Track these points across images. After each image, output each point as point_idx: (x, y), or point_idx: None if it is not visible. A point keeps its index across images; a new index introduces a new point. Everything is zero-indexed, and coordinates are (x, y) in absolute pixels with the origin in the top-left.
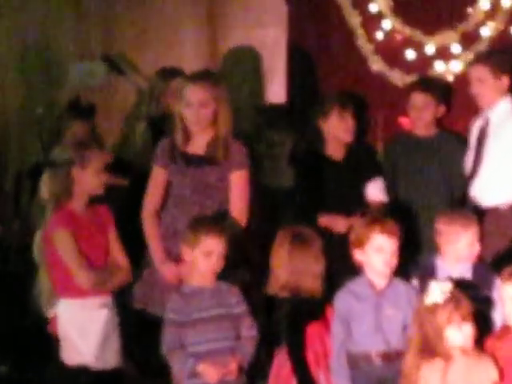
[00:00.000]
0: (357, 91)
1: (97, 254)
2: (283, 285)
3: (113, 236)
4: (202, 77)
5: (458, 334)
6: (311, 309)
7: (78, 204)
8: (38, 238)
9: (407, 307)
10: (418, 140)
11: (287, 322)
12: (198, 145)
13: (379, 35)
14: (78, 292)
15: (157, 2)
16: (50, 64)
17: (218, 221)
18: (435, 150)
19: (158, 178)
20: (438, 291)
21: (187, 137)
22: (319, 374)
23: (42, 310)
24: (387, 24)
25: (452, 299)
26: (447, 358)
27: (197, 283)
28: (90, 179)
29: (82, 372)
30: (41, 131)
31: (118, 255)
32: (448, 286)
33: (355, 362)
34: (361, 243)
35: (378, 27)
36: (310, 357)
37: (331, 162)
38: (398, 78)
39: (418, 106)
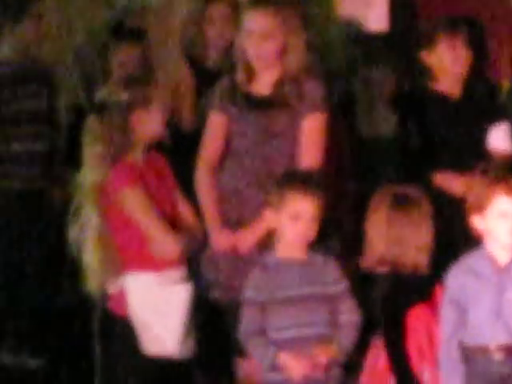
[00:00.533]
0: (475, 17)
1: (165, 214)
2: (381, 258)
3: (176, 190)
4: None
5: None
6: (415, 288)
7: (137, 154)
8: (76, 204)
9: None
10: None
11: (385, 304)
12: (264, 84)
13: None
14: (154, 263)
15: None
16: None
17: (309, 177)
18: None
19: (215, 124)
20: None
21: (250, 74)
22: (423, 370)
23: (88, 287)
24: None
25: None
26: None
27: (283, 254)
28: (153, 121)
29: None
30: (83, 64)
31: (187, 213)
32: None
33: (470, 356)
34: (481, 208)
35: None
36: (413, 348)
37: (443, 101)
38: None
39: None
